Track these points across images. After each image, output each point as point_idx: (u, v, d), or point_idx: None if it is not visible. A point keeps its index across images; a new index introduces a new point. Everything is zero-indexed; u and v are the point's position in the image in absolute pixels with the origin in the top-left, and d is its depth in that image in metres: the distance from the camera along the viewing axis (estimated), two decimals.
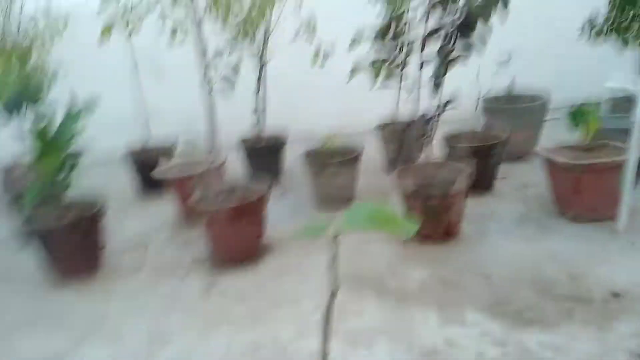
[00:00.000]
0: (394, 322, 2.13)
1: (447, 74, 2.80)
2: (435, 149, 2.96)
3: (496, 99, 4.18)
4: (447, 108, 2.80)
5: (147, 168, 3.86)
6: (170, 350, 2.11)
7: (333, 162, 3.39)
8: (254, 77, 4.23)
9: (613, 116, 3.59)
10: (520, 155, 4.08)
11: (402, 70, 3.53)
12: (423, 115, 2.85)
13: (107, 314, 2.44)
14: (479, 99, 3.75)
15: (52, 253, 2.73)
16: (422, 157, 3.09)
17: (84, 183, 3.15)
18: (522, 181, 3.61)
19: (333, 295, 0.90)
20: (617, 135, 3.15)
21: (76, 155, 2.88)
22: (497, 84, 3.91)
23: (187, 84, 4.13)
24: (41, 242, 2.71)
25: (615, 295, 2.11)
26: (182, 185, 3.36)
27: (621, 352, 1.79)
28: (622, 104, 3.88)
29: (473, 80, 3.44)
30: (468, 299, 2.22)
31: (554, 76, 5.32)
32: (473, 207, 3.16)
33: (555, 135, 3.45)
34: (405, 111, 3.46)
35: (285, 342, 2.07)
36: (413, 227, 0.99)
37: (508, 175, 3.73)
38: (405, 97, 3.14)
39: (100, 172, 5.17)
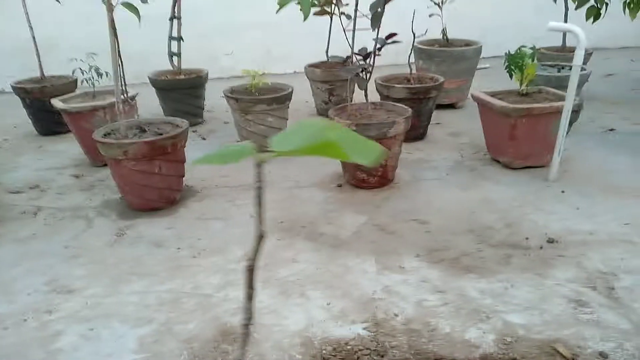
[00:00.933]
0: (329, 270, 1.97)
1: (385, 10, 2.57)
2: (369, 92, 2.76)
3: (430, 44, 4.06)
4: (388, 42, 2.58)
5: (43, 103, 3.34)
6: (74, 302, 1.81)
7: (263, 99, 3.10)
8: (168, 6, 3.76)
9: (547, 64, 3.60)
10: (453, 103, 4.03)
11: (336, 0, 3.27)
12: (362, 49, 2.63)
13: None
14: (413, 42, 3.59)
15: None
16: (357, 99, 2.89)
17: None
18: (455, 128, 3.55)
19: (260, 237, 0.65)
20: (550, 83, 3.14)
21: None
22: (432, 29, 3.78)
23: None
24: None
25: (550, 241, 2.09)
26: (86, 119, 2.93)
27: (558, 297, 1.76)
28: (553, 54, 3.92)
29: (407, 24, 3.26)
30: (405, 246, 2.11)
31: (488, 25, 5.32)
32: (408, 153, 3.07)
33: (488, 83, 3.41)
34: (339, 50, 3.22)
35: (209, 292, 1.85)
36: (375, 150, 0.65)
37: (441, 122, 3.67)
38: (339, 32, 2.88)
39: None
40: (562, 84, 2.95)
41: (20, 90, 3.59)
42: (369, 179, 2.63)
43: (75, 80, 3.68)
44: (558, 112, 2.56)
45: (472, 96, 2.96)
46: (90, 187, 2.78)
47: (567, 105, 2.51)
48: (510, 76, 2.86)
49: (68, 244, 2.21)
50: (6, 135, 3.68)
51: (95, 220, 2.41)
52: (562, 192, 2.52)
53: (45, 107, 3.23)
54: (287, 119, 3.30)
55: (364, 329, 1.65)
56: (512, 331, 1.61)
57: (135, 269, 2.01)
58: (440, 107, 3.77)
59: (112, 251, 2.15)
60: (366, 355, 1.55)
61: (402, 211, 2.41)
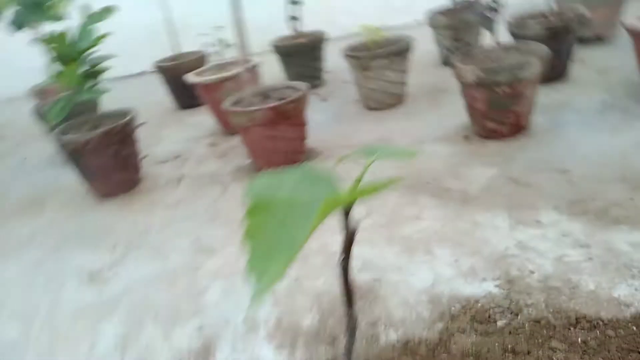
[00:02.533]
0: (456, 226, 1.89)
1: None
2: (500, 34, 2.52)
3: None
4: None
5: (180, 80, 3.62)
6: (216, 261, 1.98)
7: (381, 53, 3.01)
8: None
9: None
10: (599, 37, 3.53)
11: None
12: None
13: (149, 228, 2.33)
14: None
15: (88, 167, 2.61)
16: (486, 43, 2.66)
17: (115, 96, 2.98)
18: (602, 65, 3.13)
19: (351, 233, 0.71)
20: None
21: (100, 61, 2.65)
22: None
23: None
24: (75, 156, 2.58)
25: None
26: (216, 90, 3.12)
27: None
28: None
29: None
30: (542, 199, 1.93)
31: None
32: (546, 97, 2.77)
33: None
34: None
35: (335, 250, 1.89)
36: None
37: (585, 59, 3.25)
38: None
39: (132, 86, 5.06)
40: None
41: (159, 69, 3.94)
42: (499, 128, 2.44)
43: (205, 55, 3.93)
44: None
45: (624, 26, 2.56)
46: (224, 154, 2.99)
47: None
48: None
49: (208, 208, 2.41)
50: (151, 111, 4.08)
51: (230, 185, 2.59)
52: None
53: (181, 83, 3.50)
54: (407, 72, 3.18)
55: (496, 286, 1.56)
56: None
57: None
58: (584, 41, 3.33)
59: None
60: (498, 313, 1.46)
61: (538, 161, 2.20)
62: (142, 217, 2.44)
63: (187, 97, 3.86)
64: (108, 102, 3.34)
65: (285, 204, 0.53)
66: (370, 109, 3.23)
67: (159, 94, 4.21)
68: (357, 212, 2.15)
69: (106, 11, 2.70)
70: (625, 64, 2.87)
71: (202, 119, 3.60)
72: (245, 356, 1.50)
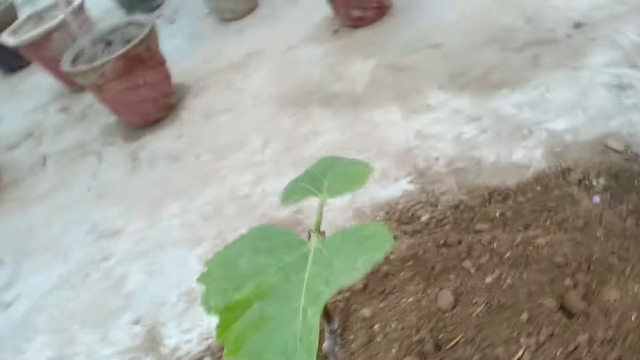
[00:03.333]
0: (355, 132, 1.88)
1: None
2: None
3: None
4: None
5: None
6: (124, 242, 1.82)
7: None
8: None
9: None
10: None
11: None
12: None
13: (32, 227, 2.05)
14: None
15: None
16: None
17: None
18: None
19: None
20: None
21: None
22: None
23: None
24: None
25: (578, 25, 1.91)
26: (43, 47, 2.65)
27: (598, 88, 1.65)
28: None
29: None
30: (425, 80, 1.97)
31: None
32: None
33: None
34: None
35: (246, 192, 1.81)
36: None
37: None
38: None
39: None
40: None
41: None
42: (365, 14, 2.37)
43: (13, 5, 3.27)
44: None
45: None
46: (83, 117, 2.63)
47: None
48: None
49: (89, 185, 2.16)
50: None
51: (104, 152, 2.32)
52: None
53: None
54: None
55: (409, 182, 1.62)
56: (559, 140, 1.55)
57: (165, 190, 1.97)
58: None
59: (135, 179, 2.09)
60: (420, 208, 1.53)
61: (411, 41, 2.20)
62: (18, 217, 2.13)
63: (9, 60, 3.26)
64: None
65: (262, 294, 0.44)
66: (226, 20, 2.97)
67: None
68: (255, 143, 2.04)
69: None
70: None
71: (39, 81, 3.10)
72: (195, 333, 1.44)
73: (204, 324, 1.45)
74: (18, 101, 3.03)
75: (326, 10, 2.51)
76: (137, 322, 1.53)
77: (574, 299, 1.14)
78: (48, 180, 2.28)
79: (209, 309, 0.41)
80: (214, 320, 1.39)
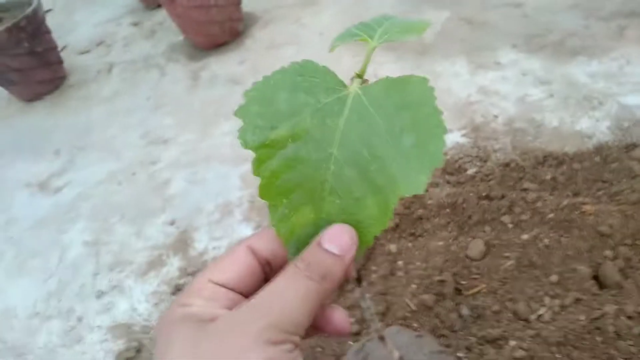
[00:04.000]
0: None
1: None
2: None
3: None
4: None
5: None
6: (173, 151, 1.88)
7: None
8: None
9: None
10: None
11: None
12: None
13: (90, 126, 2.15)
14: None
15: (1, 71, 2.29)
16: None
17: None
18: None
19: None
20: None
21: None
22: None
23: None
24: None
25: None
26: None
27: None
28: None
29: None
30: (499, 38, 1.88)
31: None
32: None
33: None
34: None
35: None
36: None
37: None
38: None
39: None
40: None
41: None
42: None
43: None
44: None
45: None
46: (152, 32, 2.69)
47: None
48: None
49: (149, 95, 2.22)
50: None
51: (168, 67, 2.37)
52: None
53: None
54: None
55: (462, 136, 1.57)
56: (629, 114, 1.45)
57: (220, 110, 2.00)
58: None
59: (193, 96, 2.14)
60: (468, 162, 1.49)
61: None
62: (79, 116, 2.24)
63: None
64: None
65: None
66: None
67: None
68: None
69: None
70: None
71: None
72: (225, 242, 1.49)
73: (234, 234, 1.49)
74: (94, 11, 3.13)
75: None
76: (172, 223, 1.59)
77: (611, 270, 1.09)
78: (112, 86, 2.37)
79: (245, 144, 0.39)
80: (243, 232, 1.43)
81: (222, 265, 0.38)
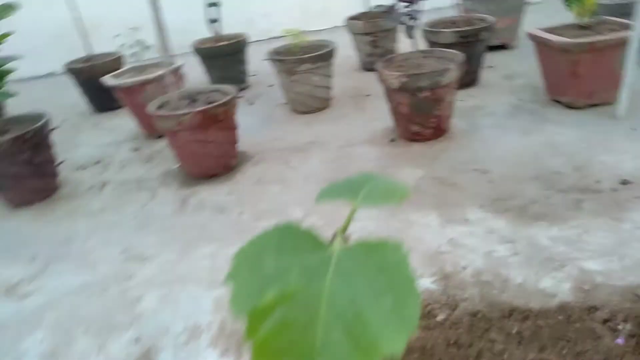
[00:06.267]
0: (390, 225, 1.96)
1: None
2: (418, 39, 2.65)
3: None
4: None
5: (94, 81, 3.41)
6: (150, 269, 1.89)
7: (307, 58, 3.04)
8: None
9: None
10: (503, 44, 3.83)
11: None
12: None
13: (71, 237, 2.18)
14: None
15: (2, 173, 2.38)
16: (403, 49, 2.79)
17: (22, 99, 2.75)
18: (509, 71, 3.39)
19: None
20: (612, 12, 2.92)
21: (4, 62, 2.43)
22: None
23: None
24: None
25: (625, 182, 1.98)
26: (137, 93, 2.99)
27: (638, 242, 1.68)
28: None
29: None
30: (468, 198, 2.06)
31: None
32: (461, 101, 2.96)
33: (542, 19, 3.19)
34: None
35: None
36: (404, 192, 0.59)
37: (494, 65, 3.50)
38: None
39: (40, 88, 4.70)
40: (625, 11, 2.73)
41: (71, 71, 3.69)
42: (423, 132, 2.56)
43: (122, 56, 3.74)
44: (624, 43, 2.38)
45: (528, 34, 2.79)
46: (150, 158, 2.86)
47: (635, 35, 2.32)
48: (569, 7, 2.67)
49: (136, 214, 2.29)
50: (64, 115, 3.80)
51: (159, 190, 2.49)
52: (633, 129, 2.37)
53: (97, 85, 3.30)
54: (332, 77, 3.24)
55: (433, 282, 1.64)
56: (589, 278, 1.56)
57: (202, 234, 2.07)
58: (491, 49, 3.59)
59: (178, 219, 2.22)
60: (437, 308, 1.54)
61: (461, 162, 2.34)
62: (63, 226, 2.27)
63: (103, 100, 3.65)
64: (15, 106, 3.07)
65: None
66: (298, 112, 3.26)
67: (72, 96, 3.95)
68: (294, 214, 2.15)
69: (7, 8, 2.50)
70: (529, 69, 3.14)
71: (122, 122, 3.43)
72: None
73: (198, 357, 1.46)
74: (98, 135, 3.34)
75: (388, 121, 2.73)
76: (137, 341, 1.55)
77: None
78: (100, 202, 2.45)
79: (237, 312, 0.41)
80: (207, 358, 1.40)
81: None
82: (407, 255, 0.42)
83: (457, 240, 1.82)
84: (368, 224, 1.99)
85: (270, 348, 0.40)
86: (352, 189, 0.61)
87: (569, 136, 2.40)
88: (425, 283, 1.64)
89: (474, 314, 1.48)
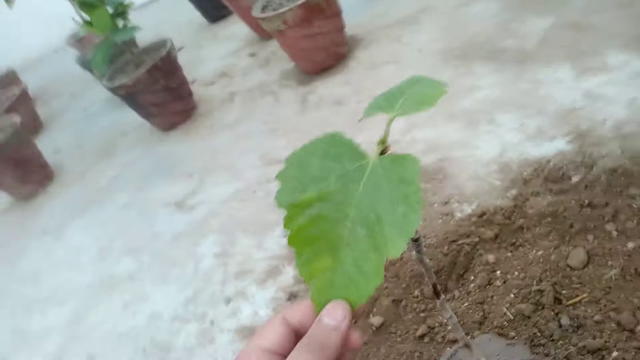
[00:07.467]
0: (517, 88, 1.83)
1: None
2: None
3: None
4: None
5: None
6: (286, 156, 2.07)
7: None
8: None
9: None
10: None
11: None
12: None
13: (217, 150, 2.44)
14: None
15: (144, 105, 2.70)
16: None
17: (145, 25, 2.96)
18: None
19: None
20: None
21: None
22: None
23: None
24: (128, 98, 2.67)
25: None
26: None
27: None
28: None
29: None
30: (608, 40, 1.80)
31: None
32: None
33: None
34: None
35: (397, 137, 1.91)
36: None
37: None
38: None
39: (157, 11, 4.97)
40: None
41: None
42: None
43: None
44: None
45: None
46: (266, 62, 2.96)
47: None
48: None
49: (265, 120, 2.46)
50: (184, 32, 4.02)
51: (280, 93, 2.60)
52: None
53: None
54: None
55: (567, 142, 1.54)
56: None
57: (325, 129, 2.13)
58: None
59: (301, 117, 2.33)
60: (572, 169, 1.46)
61: None
62: (207, 141, 2.55)
63: (215, 9, 3.76)
64: (141, 33, 3.33)
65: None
66: None
67: (186, 12, 4.12)
68: None
69: None
70: None
71: (236, 30, 3.54)
72: None
73: None
74: (217, 46, 3.51)
75: None
76: (285, 235, 1.76)
77: None
78: (234, 113, 2.66)
79: (280, 204, 0.47)
80: None
81: (264, 333, 0.48)
82: (418, 169, 0.46)
83: (594, 91, 1.65)
84: (493, 91, 1.88)
85: (304, 235, 0.46)
86: (391, 101, 0.62)
87: None
88: (559, 144, 1.55)
89: (613, 170, 1.39)
